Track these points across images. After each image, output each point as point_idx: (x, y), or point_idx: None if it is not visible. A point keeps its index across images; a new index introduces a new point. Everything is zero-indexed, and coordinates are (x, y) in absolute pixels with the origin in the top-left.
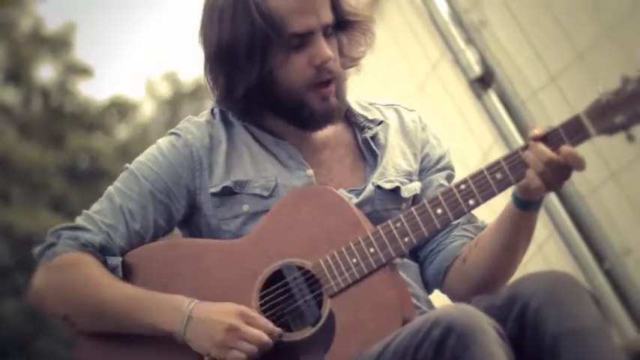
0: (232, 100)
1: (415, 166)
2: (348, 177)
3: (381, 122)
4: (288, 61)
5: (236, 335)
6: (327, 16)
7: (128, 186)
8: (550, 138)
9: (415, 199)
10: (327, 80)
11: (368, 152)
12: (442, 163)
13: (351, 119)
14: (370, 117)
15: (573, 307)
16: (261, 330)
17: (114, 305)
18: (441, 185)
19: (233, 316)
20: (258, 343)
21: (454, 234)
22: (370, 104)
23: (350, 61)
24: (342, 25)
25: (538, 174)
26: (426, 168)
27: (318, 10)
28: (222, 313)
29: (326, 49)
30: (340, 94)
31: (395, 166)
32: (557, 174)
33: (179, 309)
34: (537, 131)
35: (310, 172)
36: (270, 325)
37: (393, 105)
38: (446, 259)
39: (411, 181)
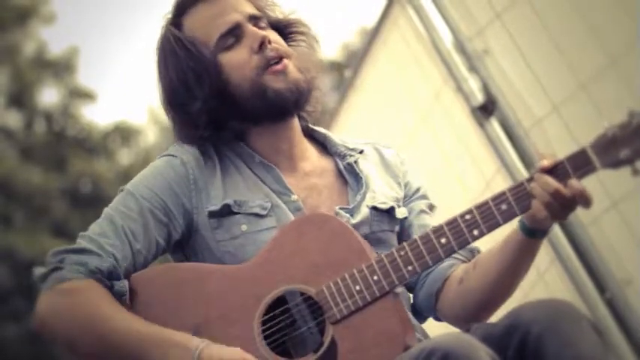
0: (201, 133)
1: (401, 193)
2: (336, 200)
3: (361, 151)
4: (230, 62)
5: None
6: (249, 8)
7: (127, 206)
8: (558, 170)
9: (404, 223)
10: (275, 58)
11: (350, 176)
12: (421, 192)
13: (331, 149)
14: (350, 146)
15: (574, 335)
16: None
17: (122, 340)
18: (423, 211)
19: None
20: None
21: None
22: (352, 141)
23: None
24: (280, 30)
25: (544, 205)
26: (408, 195)
27: (237, 7)
28: None
29: (257, 31)
30: (302, 69)
31: (384, 193)
32: (563, 206)
33: (188, 352)
34: (546, 162)
35: (295, 197)
36: None
37: (370, 143)
38: (436, 282)
39: (399, 206)
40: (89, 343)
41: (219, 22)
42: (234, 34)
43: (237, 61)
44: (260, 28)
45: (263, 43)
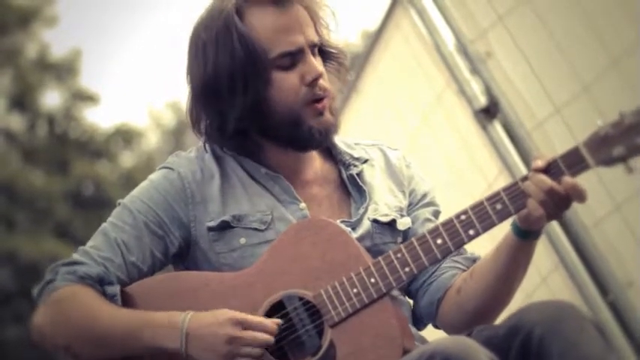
0: (225, 135)
1: (405, 202)
2: (337, 212)
3: (366, 161)
4: (280, 82)
5: (238, 343)
6: (313, 35)
7: (122, 219)
8: (552, 168)
9: (408, 233)
10: (321, 97)
11: (353, 188)
12: (428, 199)
13: (336, 157)
14: (355, 155)
15: (577, 336)
16: (259, 331)
17: (114, 330)
18: (428, 220)
19: (229, 325)
20: (261, 344)
21: (444, 265)
22: (355, 144)
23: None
24: (323, 53)
25: (539, 203)
26: (413, 203)
27: (304, 29)
28: (218, 324)
29: (316, 65)
30: (333, 111)
31: (387, 203)
32: (558, 203)
33: (176, 325)
34: (540, 162)
35: (303, 205)
36: (265, 322)
37: (376, 144)
38: (437, 291)
39: (402, 216)
40: (85, 343)
41: (284, 39)
42: (293, 57)
43: (287, 86)
44: (316, 55)
45: (316, 80)
